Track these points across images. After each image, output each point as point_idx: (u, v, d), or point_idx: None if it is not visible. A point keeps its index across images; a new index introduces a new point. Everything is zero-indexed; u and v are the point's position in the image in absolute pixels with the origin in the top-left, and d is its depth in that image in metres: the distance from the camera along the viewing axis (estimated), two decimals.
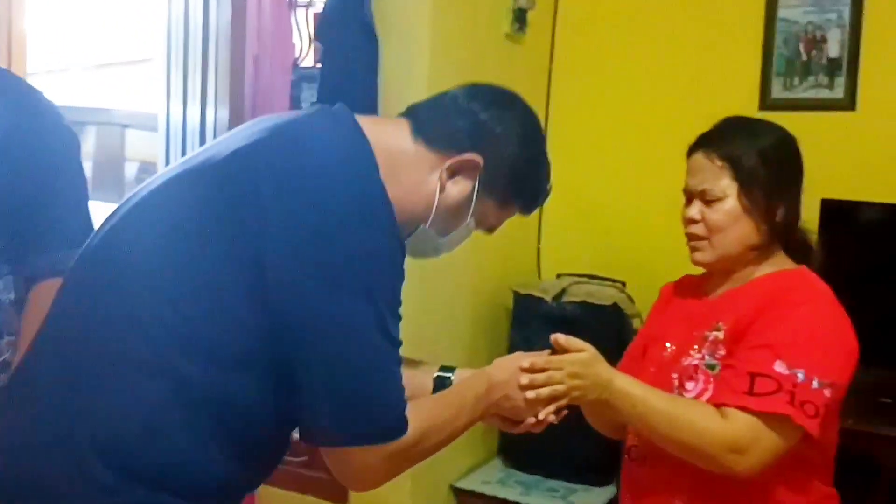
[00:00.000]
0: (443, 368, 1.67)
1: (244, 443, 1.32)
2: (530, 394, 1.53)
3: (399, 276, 1.30)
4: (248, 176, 1.30)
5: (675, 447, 1.58)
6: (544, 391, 1.54)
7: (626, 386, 1.58)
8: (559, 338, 1.58)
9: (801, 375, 1.52)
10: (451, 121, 1.41)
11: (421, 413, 1.36)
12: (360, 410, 1.27)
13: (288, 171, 1.28)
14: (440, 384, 1.63)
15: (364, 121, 1.38)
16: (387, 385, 1.29)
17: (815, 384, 1.53)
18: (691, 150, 1.71)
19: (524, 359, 1.57)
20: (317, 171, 1.28)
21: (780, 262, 1.71)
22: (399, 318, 1.32)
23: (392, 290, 1.30)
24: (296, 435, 1.37)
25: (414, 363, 1.35)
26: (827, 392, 1.53)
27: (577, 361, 1.56)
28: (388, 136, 1.39)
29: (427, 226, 1.42)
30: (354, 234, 1.25)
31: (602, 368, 1.58)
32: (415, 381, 1.35)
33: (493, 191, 1.43)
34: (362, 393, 1.27)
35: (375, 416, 1.28)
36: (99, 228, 1.46)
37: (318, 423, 1.30)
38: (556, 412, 1.58)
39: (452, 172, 1.40)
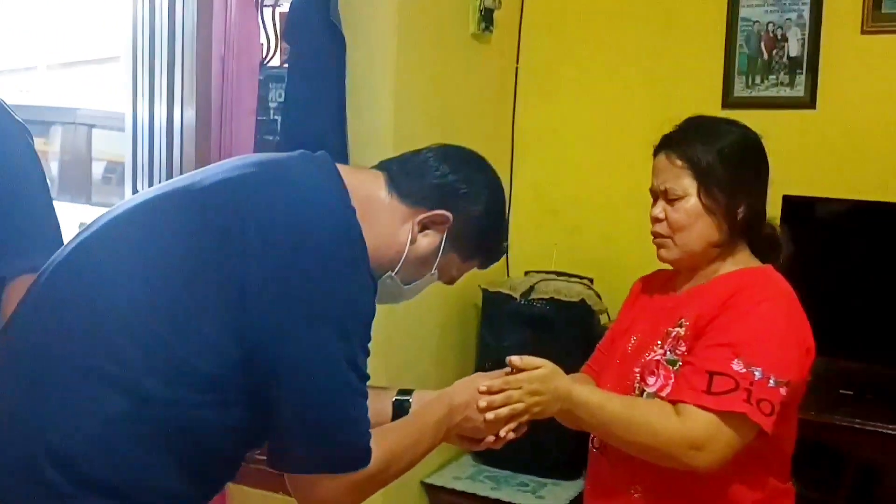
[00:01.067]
0: (400, 392, 1.71)
1: (199, 462, 1.35)
2: (489, 415, 1.55)
3: (371, 313, 1.37)
4: (234, 207, 1.34)
5: (635, 449, 1.62)
6: (503, 411, 1.56)
7: (584, 396, 1.61)
8: (513, 359, 1.60)
9: (758, 373, 1.56)
10: (424, 178, 1.49)
11: (384, 442, 1.40)
12: (327, 440, 1.32)
13: (272, 207, 1.34)
14: (399, 407, 1.67)
15: (343, 169, 1.44)
16: (354, 417, 1.34)
17: (771, 382, 1.56)
18: (656, 152, 1.74)
19: (482, 380, 1.59)
20: (299, 209, 1.34)
21: (744, 261, 1.73)
22: (368, 353, 1.37)
23: (364, 326, 1.35)
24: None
25: (372, 389, 1.40)
26: (783, 390, 1.57)
27: (534, 379, 1.58)
28: (365, 184, 1.46)
29: (394, 273, 1.48)
30: (333, 271, 1.31)
31: (560, 381, 1.60)
32: (374, 406, 1.39)
33: (459, 246, 1.52)
34: (331, 424, 1.32)
35: (342, 446, 1.33)
36: (70, 241, 1.47)
37: (287, 451, 1.34)
38: (517, 429, 1.60)
39: (423, 226, 1.48)
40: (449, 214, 1.48)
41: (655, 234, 1.74)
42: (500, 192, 1.59)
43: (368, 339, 1.36)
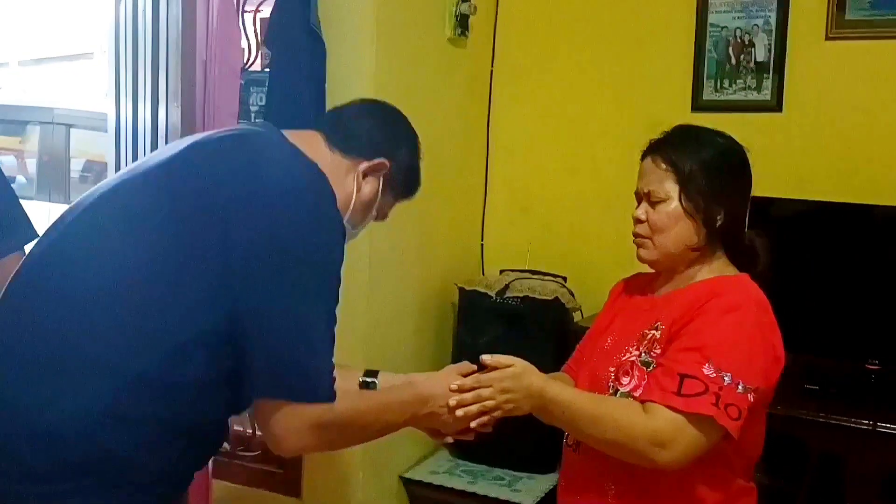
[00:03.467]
0: (367, 373, 1.82)
1: (191, 429, 1.43)
2: (459, 412, 1.61)
3: (342, 259, 1.48)
4: (207, 171, 1.46)
5: (603, 445, 1.65)
6: (473, 408, 1.61)
7: (555, 392, 1.64)
8: (485, 358, 1.65)
9: (727, 379, 1.59)
10: (358, 133, 1.67)
11: (350, 401, 1.50)
12: (297, 366, 1.41)
13: (246, 168, 1.46)
14: (365, 387, 1.78)
15: (288, 134, 1.58)
16: (323, 351, 1.44)
17: (739, 388, 1.59)
18: (643, 156, 1.79)
19: (454, 378, 1.66)
20: (272, 168, 1.47)
21: (721, 268, 1.77)
22: (338, 299, 1.48)
23: (338, 271, 1.47)
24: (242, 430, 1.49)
25: (340, 367, 1.48)
26: (751, 396, 1.60)
27: (506, 377, 1.63)
28: (311, 144, 1.60)
29: (346, 220, 1.59)
30: (315, 222, 1.44)
31: (533, 379, 1.63)
32: (341, 385, 1.47)
33: (393, 187, 1.71)
34: (303, 352, 1.41)
35: (310, 374, 1.42)
36: (49, 228, 1.53)
37: (258, 375, 1.41)
38: (484, 425, 1.65)
39: (365, 174, 1.64)
40: (387, 161, 1.66)
41: (636, 235, 1.78)
42: (416, 136, 1.76)
43: (339, 283, 1.48)
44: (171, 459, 1.44)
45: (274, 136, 1.57)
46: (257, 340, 1.39)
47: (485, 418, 1.63)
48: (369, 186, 1.66)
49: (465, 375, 1.67)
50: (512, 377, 1.63)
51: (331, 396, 1.43)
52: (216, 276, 1.38)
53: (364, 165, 1.64)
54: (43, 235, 1.55)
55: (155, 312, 1.38)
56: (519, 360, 1.65)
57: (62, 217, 1.54)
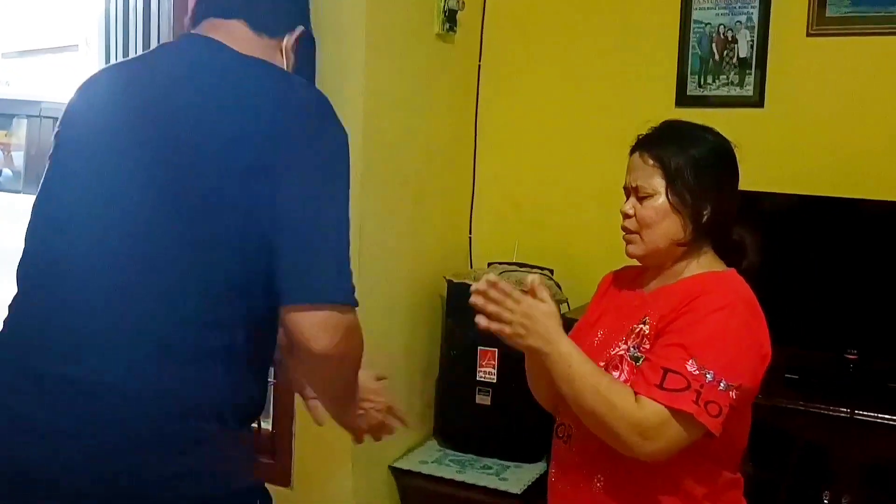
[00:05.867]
0: None
1: (262, 357, 1.53)
2: (480, 320, 1.65)
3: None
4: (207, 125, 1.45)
5: (591, 419, 1.65)
6: (491, 308, 1.64)
7: (567, 351, 1.64)
8: (535, 283, 1.67)
9: (709, 376, 1.59)
10: (276, 6, 1.64)
11: None
12: (331, 268, 1.43)
13: (250, 95, 1.47)
14: None
15: (217, 35, 1.56)
16: (349, 254, 1.47)
17: (721, 386, 1.60)
18: (631, 151, 1.80)
19: (371, 382, 1.75)
20: (271, 89, 1.49)
21: (709, 264, 1.78)
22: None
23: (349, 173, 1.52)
24: None
25: None
26: (733, 394, 1.61)
27: (536, 308, 1.63)
28: (243, 40, 1.57)
29: None
30: (330, 126, 1.49)
31: (554, 326, 1.64)
32: None
33: (305, 45, 1.71)
34: (337, 252, 1.44)
35: (342, 276, 1.44)
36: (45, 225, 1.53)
37: (293, 280, 1.42)
38: (380, 429, 1.83)
39: (290, 48, 1.64)
40: (303, 28, 1.66)
41: (624, 230, 1.78)
42: None
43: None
44: (257, 390, 1.54)
45: (224, 51, 1.53)
46: (291, 246, 1.41)
47: (490, 324, 1.65)
48: (294, 56, 1.66)
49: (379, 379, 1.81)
50: (541, 313, 1.64)
51: (355, 299, 1.46)
52: (254, 205, 1.40)
53: (288, 40, 1.63)
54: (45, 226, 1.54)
55: (201, 273, 1.42)
56: (553, 306, 1.67)
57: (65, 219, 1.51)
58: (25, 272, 1.53)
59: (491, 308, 1.65)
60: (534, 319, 1.64)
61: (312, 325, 1.41)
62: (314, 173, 1.44)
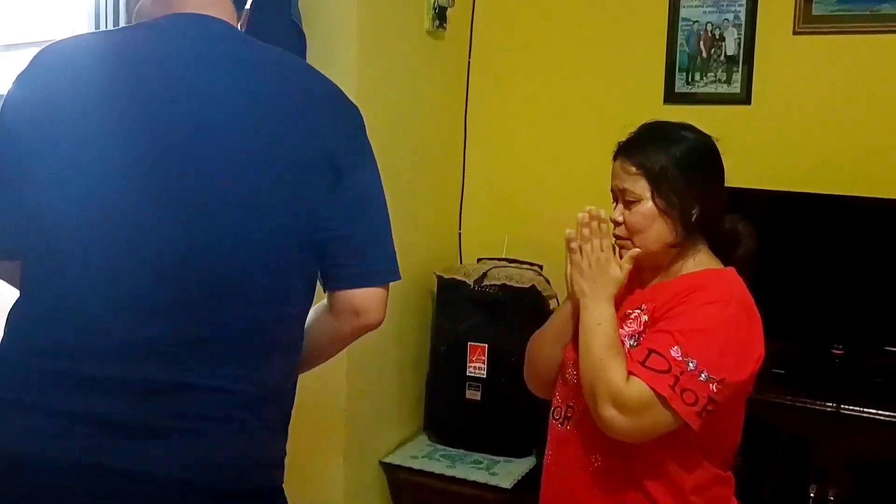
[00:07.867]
0: None
1: (297, 342, 1.55)
2: (574, 245, 1.76)
3: None
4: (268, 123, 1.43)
5: (587, 382, 1.68)
6: (586, 231, 1.75)
7: (609, 313, 1.71)
8: (634, 254, 1.74)
9: (691, 365, 1.60)
10: None
11: None
12: (392, 249, 1.56)
13: (301, 81, 1.50)
14: None
15: (204, 8, 1.48)
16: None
17: (702, 377, 1.60)
18: (614, 157, 1.79)
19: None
20: (304, 72, 1.53)
21: (706, 261, 1.78)
22: None
23: None
24: None
25: None
26: (713, 387, 1.60)
27: (609, 262, 1.73)
28: (231, 13, 1.53)
29: None
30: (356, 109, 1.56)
31: (610, 289, 1.73)
32: None
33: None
34: (390, 233, 1.56)
35: (390, 258, 1.56)
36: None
37: (351, 264, 1.51)
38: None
39: (244, 23, 1.61)
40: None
41: (616, 237, 1.78)
42: None
43: None
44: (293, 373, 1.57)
45: (233, 32, 1.49)
46: (352, 233, 1.49)
47: (573, 243, 1.76)
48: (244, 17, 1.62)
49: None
50: (610, 272, 1.73)
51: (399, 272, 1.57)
52: (327, 188, 1.45)
53: (246, 10, 1.61)
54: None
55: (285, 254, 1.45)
56: (622, 278, 1.74)
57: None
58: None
59: (585, 231, 1.74)
60: (601, 270, 1.73)
61: (377, 301, 1.54)
62: (371, 161, 1.53)
